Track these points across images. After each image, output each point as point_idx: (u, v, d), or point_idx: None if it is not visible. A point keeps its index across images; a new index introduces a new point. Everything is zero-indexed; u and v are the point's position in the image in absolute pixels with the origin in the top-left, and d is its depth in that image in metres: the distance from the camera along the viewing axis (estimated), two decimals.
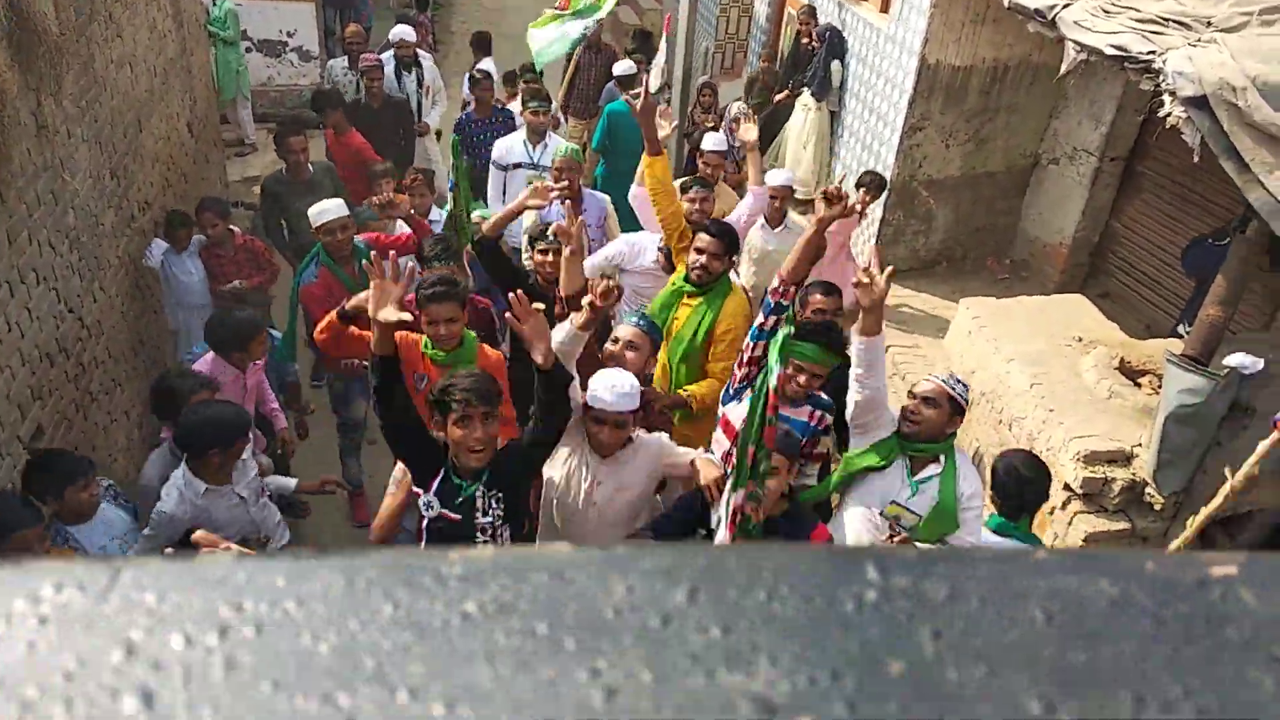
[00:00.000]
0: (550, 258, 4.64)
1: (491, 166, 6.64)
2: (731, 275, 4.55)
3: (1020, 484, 3.61)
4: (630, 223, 6.72)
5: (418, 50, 8.23)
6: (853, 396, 3.47)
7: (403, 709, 0.30)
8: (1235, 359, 4.17)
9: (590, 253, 5.51)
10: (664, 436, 3.72)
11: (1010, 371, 5.20)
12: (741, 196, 6.19)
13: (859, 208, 5.87)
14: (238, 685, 0.31)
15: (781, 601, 0.33)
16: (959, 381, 3.50)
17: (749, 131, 5.41)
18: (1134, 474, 4.59)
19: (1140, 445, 4.63)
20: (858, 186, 6.26)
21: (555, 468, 3.51)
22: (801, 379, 3.59)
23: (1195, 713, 0.30)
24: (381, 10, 13.36)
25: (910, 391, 3.53)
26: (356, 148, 6.91)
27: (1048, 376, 5.05)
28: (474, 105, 7.49)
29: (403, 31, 8.22)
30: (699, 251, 4.28)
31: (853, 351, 3.41)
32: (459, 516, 3.14)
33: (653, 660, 0.31)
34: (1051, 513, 4.76)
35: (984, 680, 0.31)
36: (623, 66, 8.25)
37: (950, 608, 0.33)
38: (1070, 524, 4.67)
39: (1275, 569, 0.35)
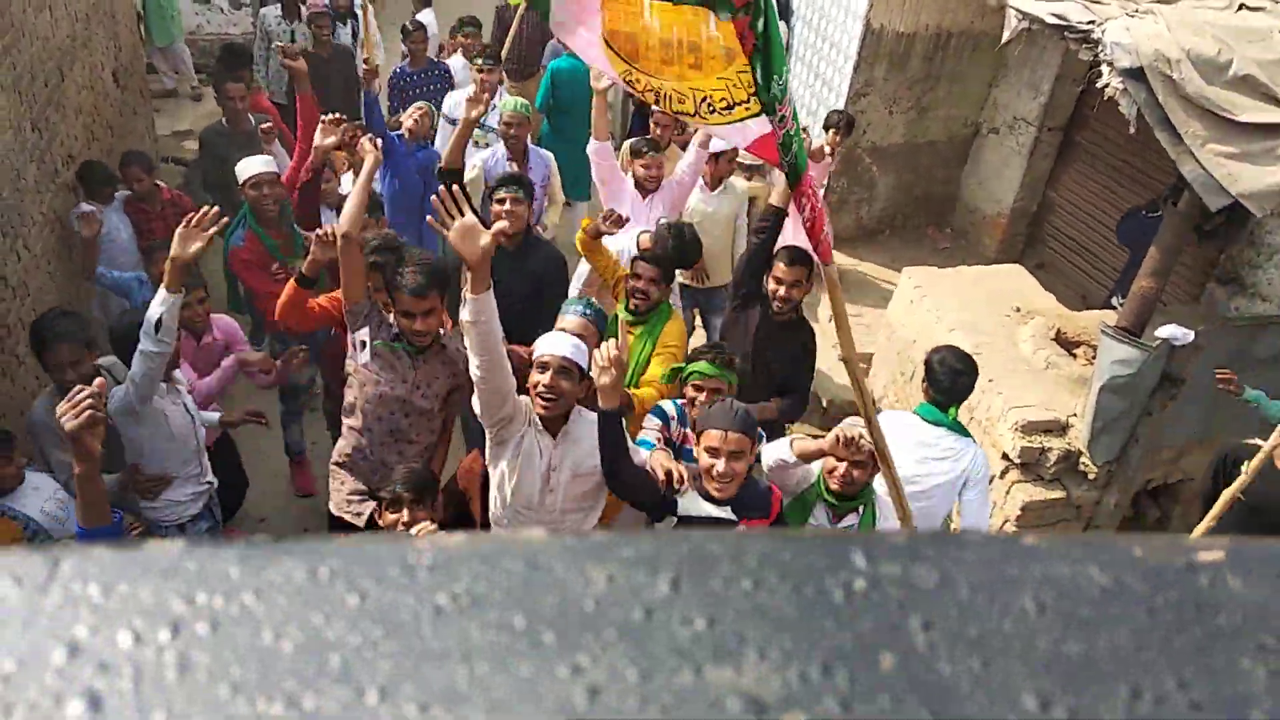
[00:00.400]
0: (508, 207, 4.53)
1: (441, 120, 6.51)
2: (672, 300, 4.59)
3: (953, 375, 3.82)
4: (575, 183, 6.70)
5: (353, 1, 7.99)
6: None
7: (373, 712, 0.28)
8: (1166, 331, 4.29)
9: (536, 213, 5.51)
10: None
11: (951, 340, 5.28)
12: None
13: (827, 149, 5.95)
14: (193, 687, 0.28)
15: (769, 591, 0.32)
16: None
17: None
18: (1069, 443, 4.71)
19: (1075, 415, 4.75)
20: (826, 127, 6.29)
21: (504, 461, 3.41)
22: (703, 397, 3.63)
23: (1189, 706, 0.29)
24: None
25: (835, 455, 3.37)
26: (264, 110, 6.62)
27: (987, 346, 5.14)
28: (409, 58, 7.31)
29: None
30: (637, 277, 4.29)
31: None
32: None
33: (637, 656, 0.29)
34: (990, 481, 4.87)
35: (979, 673, 0.30)
36: None
37: (941, 596, 0.32)
38: (1008, 493, 4.79)
39: (1259, 555, 0.35)
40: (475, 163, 5.59)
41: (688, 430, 3.75)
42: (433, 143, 6.04)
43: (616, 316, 4.52)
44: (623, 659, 0.29)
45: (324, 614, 0.30)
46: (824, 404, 5.93)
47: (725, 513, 3.17)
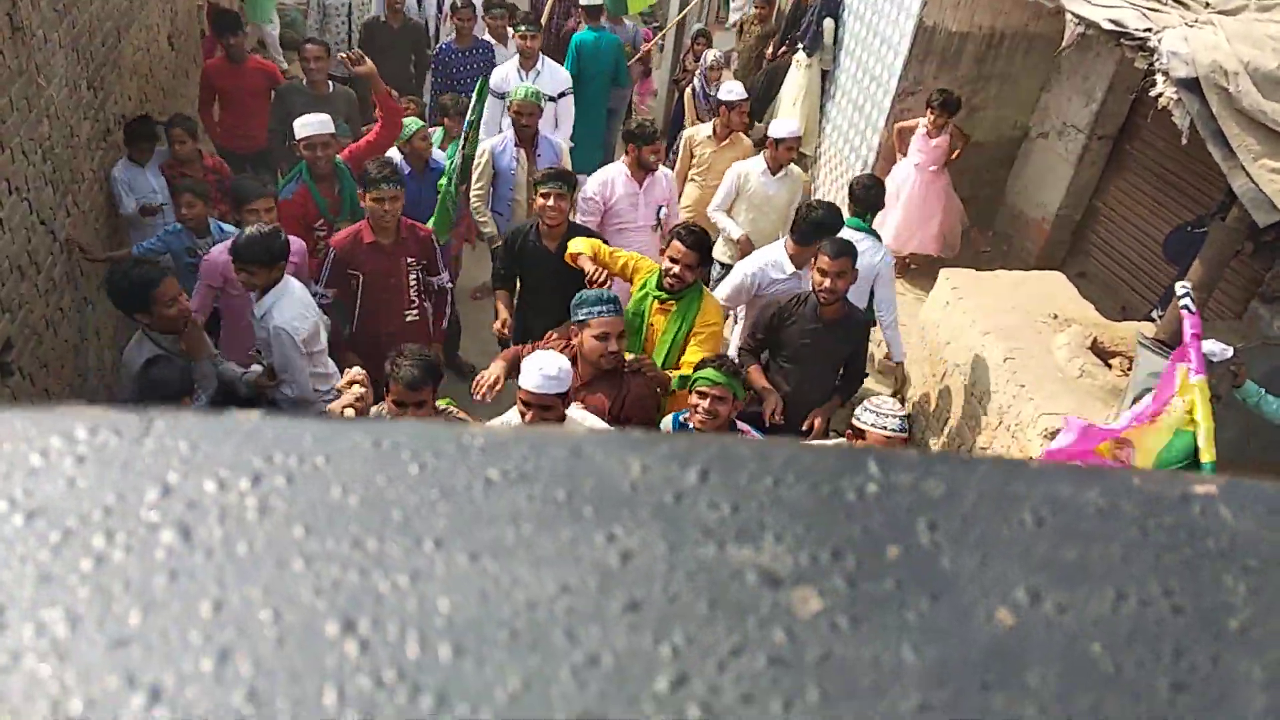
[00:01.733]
0: (552, 202, 4.62)
1: (489, 95, 6.59)
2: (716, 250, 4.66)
3: (866, 189, 5.13)
4: (588, 155, 6.80)
5: None
6: None
7: (429, 557, 0.31)
8: (1205, 346, 4.23)
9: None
10: (594, 418, 3.69)
11: (985, 345, 5.26)
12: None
13: (923, 128, 6.40)
14: (271, 526, 0.32)
15: (788, 488, 0.35)
16: (905, 416, 3.61)
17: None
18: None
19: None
20: (927, 106, 6.42)
21: None
22: (706, 404, 3.64)
23: (1171, 610, 0.32)
24: None
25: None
26: (254, 69, 6.71)
27: (1021, 352, 5.11)
28: (455, 35, 7.37)
29: None
30: (673, 260, 4.29)
31: None
32: None
33: (666, 530, 0.33)
34: None
35: (976, 569, 0.33)
36: None
37: (948, 504, 0.35)
38: None
39: (1252, 491, 0.37)
40: (484, 149, 5.66)
41: None
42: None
43: (645, 295, 4.51)
44: (653, 532, 0.32)
45: (387, 477, 0.34)
46: None
47: None
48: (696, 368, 3.82)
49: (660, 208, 5.51)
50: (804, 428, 4.46)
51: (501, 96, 6.50)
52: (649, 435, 0.37)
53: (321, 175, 4.97)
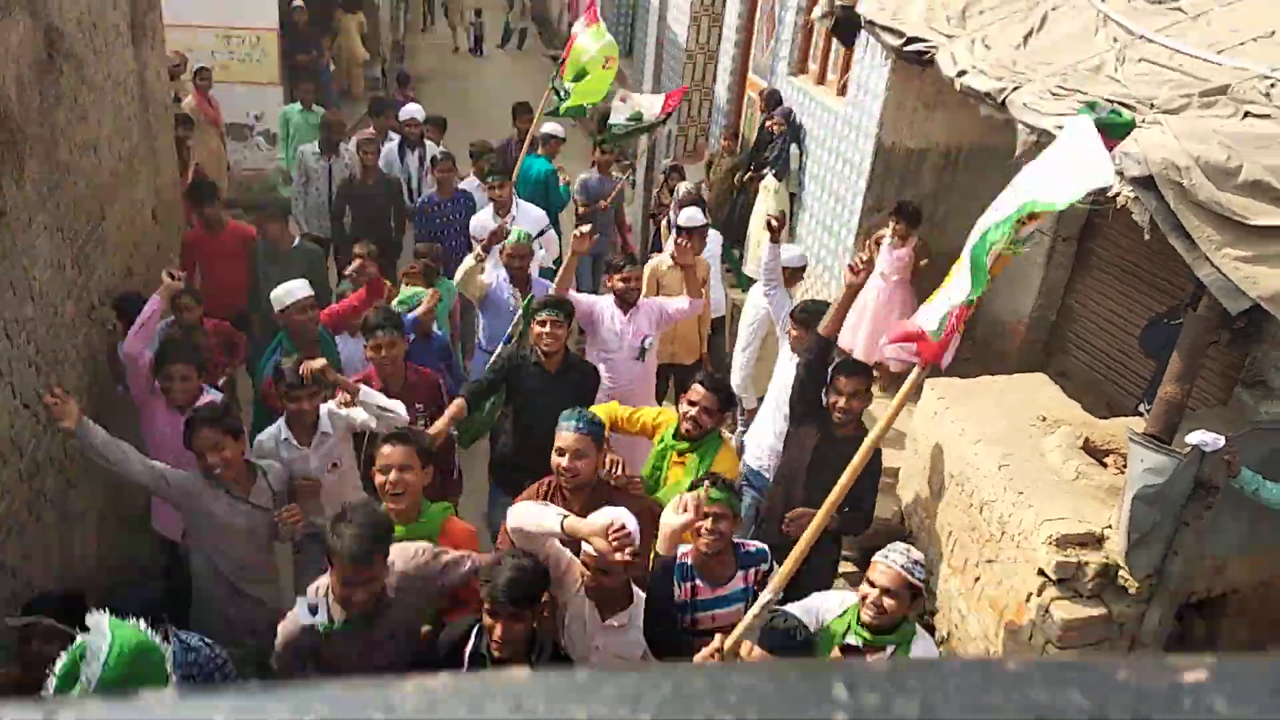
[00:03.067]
0: (549, 329, 4.68)
1: (473, 242, 6.78)
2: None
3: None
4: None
5: (423, 131, 8.38)
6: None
7: None
8: (1196, 437, 4.21)
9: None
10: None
11: (978, 453, 5.23)
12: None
13: (887, 240, 6.41)
14: None
15: None
16: (916, 563, 3.33)
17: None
18: (1106, 557, 4.59)
19: (1110, 527, 4.65)
20: (889, 217, 6.55)
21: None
22: (709, 524, 3.49)
23: None
24: (349, 99, 13.59)
25: (868, 579, 3.34)
26: (230, 236, 6.89)
27: (1014, 458, 5.08)
28: (436, 187, 7.59)
29: (413, 110, 8.52)
30: (692, 404, 4.28)
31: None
32: None
33: None
34: (1028, 600, 4.73)
35: None
36: (549, 127, 8.32)
37: None
38: (1047, 612, 4.63)
39: (1243, 672, 0.34)
40: (483, 280, 5.81)
41: (696, 581, 3.61)
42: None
43: (664, 449, 4.50)
44: None
45: None
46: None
47: None
48: (692, 486, 3.67)
49: (645, 338, 5.56)
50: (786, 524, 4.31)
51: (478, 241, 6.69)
52: (594, 677, 0.34)
53: (307, 343, 4.99)
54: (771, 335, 5.81)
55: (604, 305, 5.57)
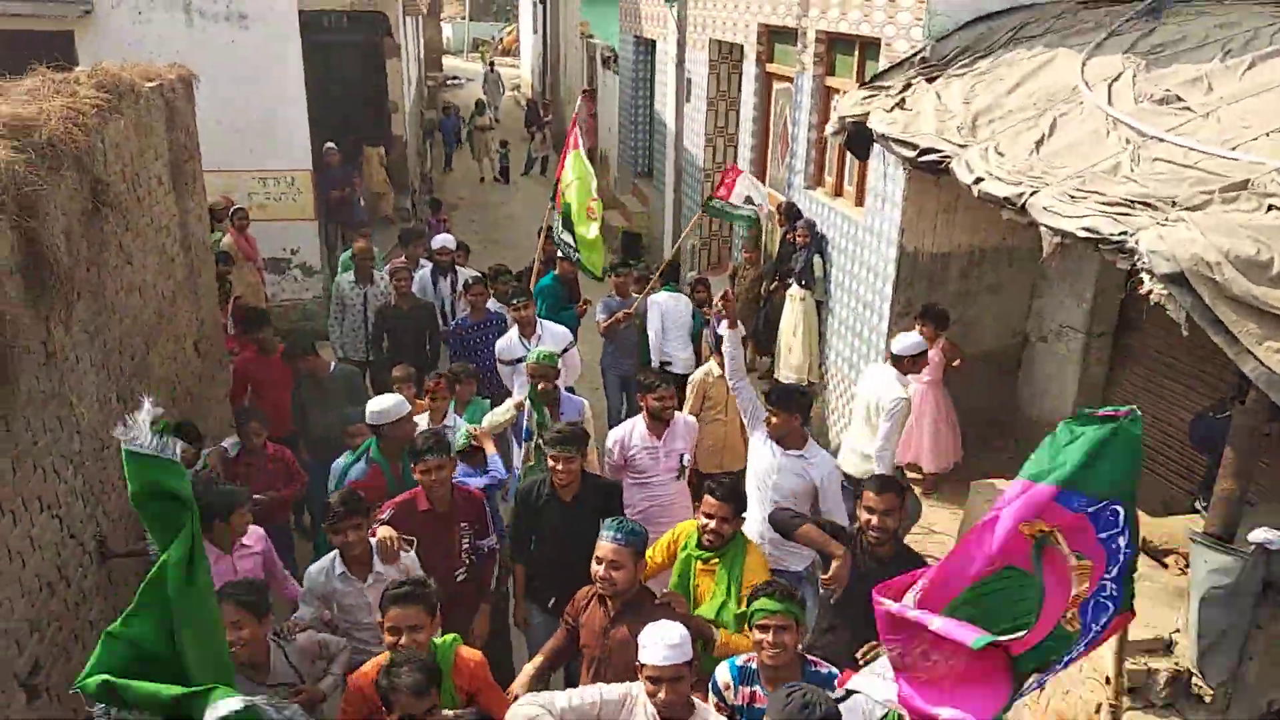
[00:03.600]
0: (561, 466, 4.69)
1: (499, 364, 6.93)
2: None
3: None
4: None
5: (454, 258, 8.62)
6: None
7: None
8: (1259, 535, 4.07)
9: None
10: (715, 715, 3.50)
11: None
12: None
13: (931, 350, 6.24)
14: None
15: None
16: None
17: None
18: (1177, 663, 4.41)
19: (1178, 631, 4.48)
20: (916, 320, 6.51)
21: None
22: (770, 638, 3.44)
23: None
24: (380, 226, 14.03)
25: None
26: (280, 360, 7.11)
27: None
28: (469, 310, 7.73)
29: (444, 240, 8.82)
30: (708, 516, 4.26)
31: None
32: None
33: None
34: (1098, 710, 4.53)
35: None
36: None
37: None
38: None
39: None
40: (509, 405, 5.91)
41: (756, 688, 3.54)
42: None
43: (688, 558, 4.43)
44: None
45: None
46: None
47: None
48: (750, 598, 3.62)
49: (683, 455, 5.53)
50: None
51: (507, 363, 6.76)
52: None
53: (395, 450, 5.20)
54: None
55: (634, 431, 5.54)
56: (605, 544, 3.82)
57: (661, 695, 3.21)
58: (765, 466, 5.11)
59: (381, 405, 5.31)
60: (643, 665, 3.26)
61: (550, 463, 4.77)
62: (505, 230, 15.81)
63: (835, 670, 3.61)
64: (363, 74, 15.49)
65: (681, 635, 3.25)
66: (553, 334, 6.96)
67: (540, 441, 5.31)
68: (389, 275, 7.98)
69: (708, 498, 4.29)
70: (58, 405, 4.33)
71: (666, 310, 7.82)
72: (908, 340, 5.91)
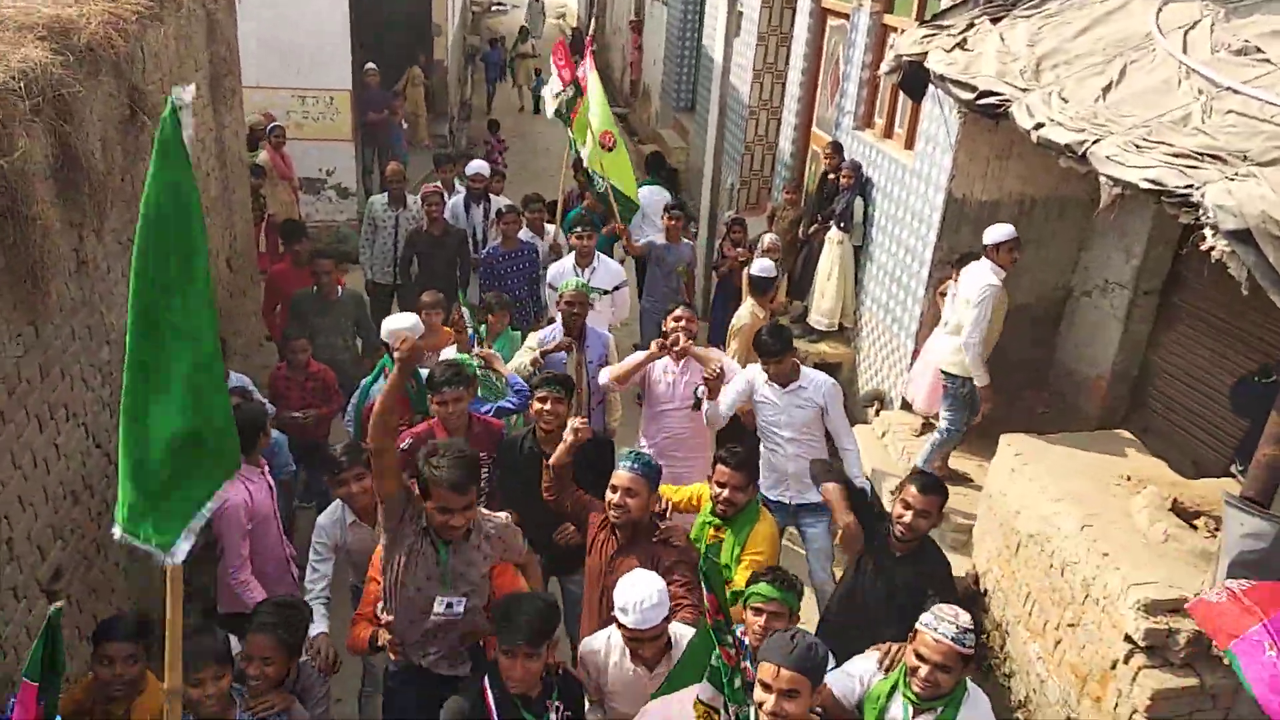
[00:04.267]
0: (549, 406, 4.60)
1: (547, 289, 6.89)
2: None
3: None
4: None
5: (488, 185, 8.54)
6: None
7: None
8: None
9: (591, 390, 5.63)
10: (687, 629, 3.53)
11: (1058, 512, 5.01)
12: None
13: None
14: None
15: None
16: (966, 630, 3.16)
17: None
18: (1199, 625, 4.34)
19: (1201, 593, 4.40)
20: (954, 266, 6.47)
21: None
22: (762, 622, 3.47)
23: None
24: (416, 150, 13.90)
25: (916, 651, 3.20)
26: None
27: (1098, 518, 4.86)
28: (500, 239, 7.65)
29: (479, 166, 8.72)
30: (720, 485, 4.23)
31: None
32: None
33: None
34: (1114, 667, 4.49)
35: None
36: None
37: None
38: (1135, 680, 4.38)
39: None
40: (532, 344, 5.79)
41: (747, 663, 3.55)
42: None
43: (703, 523, 4.41)
44: None
45: None
46: None
47: None
48: (750, 581, 3.67)
49: (698, 387, 5.47)
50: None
51: (556, 290, 6.69)
52: None
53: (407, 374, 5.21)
54: None
55: (655, 362, 5.51)
56: (623, 473, 3.89)
57: (643, 652, 3.34)
58: (773, 410, 5.30)
59: (397, 324, 5.27)
60: (622, 627, 3.30)
61: (536, 404, 4.66)
62: (542, 160, 15.62)
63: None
64: None
65: (660, 592, 3.26)
66: (608, 269, 6.90)
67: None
68: (421, 200, 7.89)
69: (720, 466, 4.24)
70: (88, 314, 4.33)
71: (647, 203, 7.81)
72: (1000, 230, 5.92)
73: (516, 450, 4.75)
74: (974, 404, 6.04)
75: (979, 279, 5.87)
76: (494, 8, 30.63)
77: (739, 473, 4.21)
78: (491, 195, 8.58)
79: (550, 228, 8.13)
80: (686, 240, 7.96)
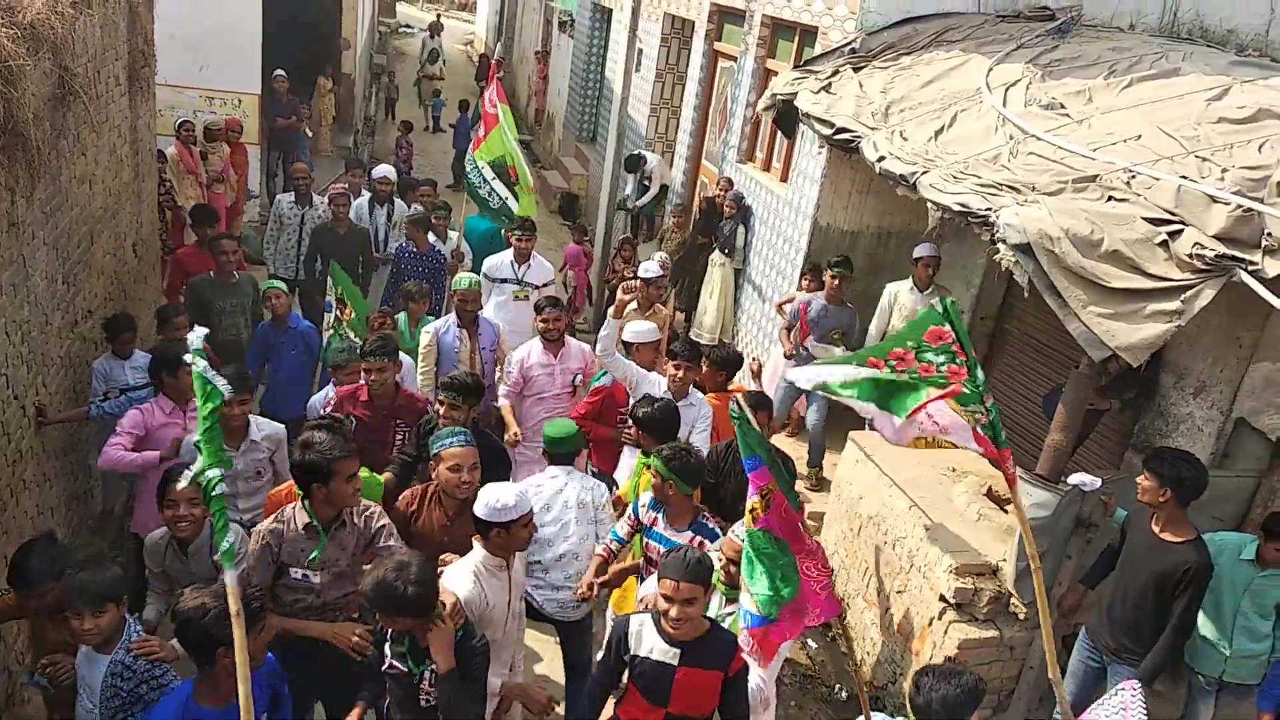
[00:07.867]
0: (444, 411, 4.78)
1: (483, 278, 7.33)
2: None
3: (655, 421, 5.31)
4: None
5: (392, 190, 9.00)
6: None
7: None
8: (1076, 478, 4.79)
9: (484, 374, 6.09)
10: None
11: (892, 495, 5.75)
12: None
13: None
14: None
15: None
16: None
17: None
18: (1000, 585, 5.09)
19: (1004, 560, 5.16)
20: (801, 277, 7.37)
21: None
22: (658, 481, 4.15)
23: None
24: (319, 159, 14.15)
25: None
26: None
27: (924, 500, 5.60)
28: (411, 242, 8.10)
29: (385, 170, 9.18)
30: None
31: None
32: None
33: None
34: (930, 623, 5.20)
35: None
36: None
37: None
38: (945, 633, 5.11)
39: None
40: (429, 329, 6.30)
41: (659, 514, 4.28)
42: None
43: (640, 465, 4.96)
44: None
45: None
46: None
47: (671, 657, 3.40)
48: (659, 454, 4.16)
49: (575, 374, 6.05)
50: None
51: (491, 280, 7.37)
52: None
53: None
54: None
55: (532, 351, 6.05)
56: (460, 448, 4.04)
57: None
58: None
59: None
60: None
61: (439, 407, 4.84)
62: (443, 174, 16.02)
63: (720, 531, 4.15)
64: (320, 7, 15.52)
65: (516, 493, 3.65)
66: (541, 267, 7.50)
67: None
68: (328, 200, 8.28)
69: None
70: (15, 272, 4.61)
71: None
72: (920, 248, 7.02)
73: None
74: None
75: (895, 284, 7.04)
76: (401, 29, 30.95)
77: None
78: (395, 199, 9.01)
79: (453, 234, 8.62)
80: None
